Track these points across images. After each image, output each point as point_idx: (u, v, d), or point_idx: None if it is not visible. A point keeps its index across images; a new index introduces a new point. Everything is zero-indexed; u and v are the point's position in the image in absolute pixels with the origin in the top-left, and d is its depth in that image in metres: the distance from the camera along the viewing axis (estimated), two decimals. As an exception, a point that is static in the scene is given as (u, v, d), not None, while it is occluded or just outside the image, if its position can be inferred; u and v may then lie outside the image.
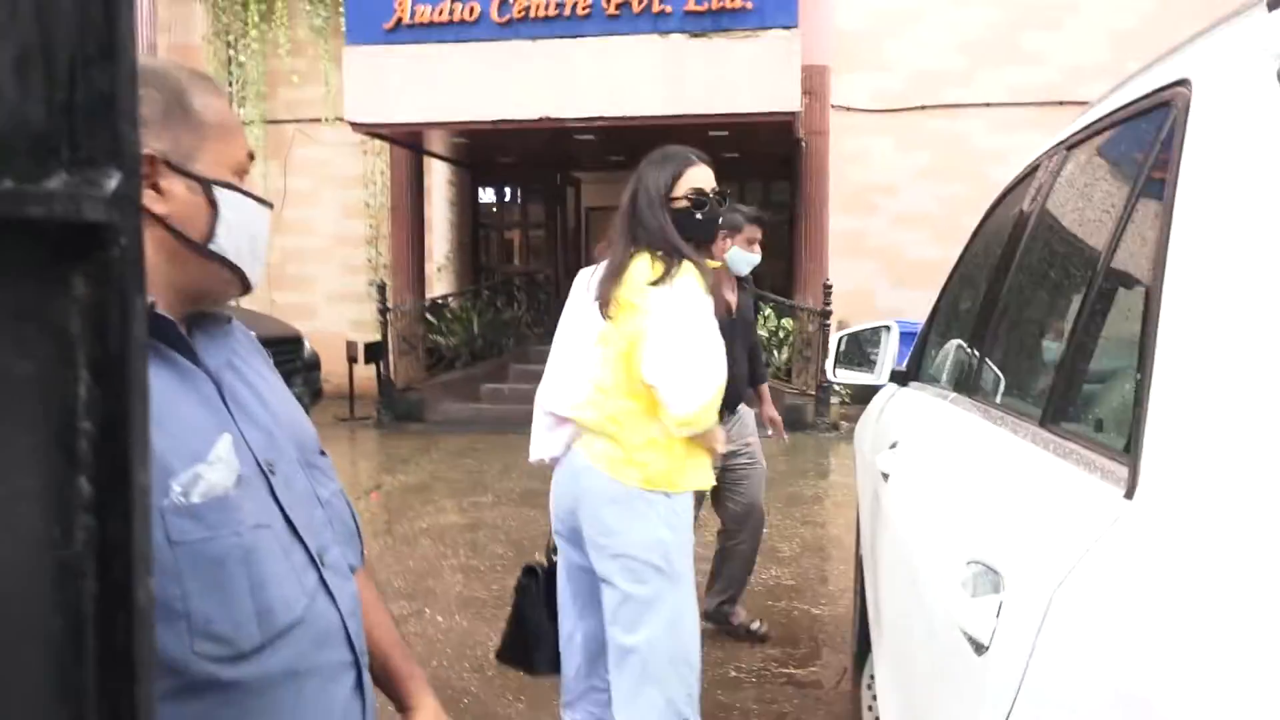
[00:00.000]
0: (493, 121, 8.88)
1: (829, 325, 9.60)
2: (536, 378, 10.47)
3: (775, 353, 10.13)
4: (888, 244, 11.48)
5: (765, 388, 4.43)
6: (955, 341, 2.73)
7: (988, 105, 11.17)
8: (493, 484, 7.18)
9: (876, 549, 2.27)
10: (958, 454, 1.68)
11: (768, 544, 5.54)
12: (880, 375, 2.93)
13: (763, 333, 10.19)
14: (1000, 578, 1.07)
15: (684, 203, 2.29)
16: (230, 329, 1.10)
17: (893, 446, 2.29)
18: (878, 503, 2.34)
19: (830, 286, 9.52)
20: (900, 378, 2.93)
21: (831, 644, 4.03)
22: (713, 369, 2.18)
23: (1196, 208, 0.94)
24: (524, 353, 11.14)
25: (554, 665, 2.58)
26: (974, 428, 1.63)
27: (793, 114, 8.59)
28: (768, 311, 10.19)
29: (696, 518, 2.80)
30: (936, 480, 1.69)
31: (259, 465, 1.02)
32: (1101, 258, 1.22)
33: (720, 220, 2.42)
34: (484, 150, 11.59)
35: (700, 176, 2.33)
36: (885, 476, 2.26)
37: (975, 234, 2.66)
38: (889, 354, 2.92)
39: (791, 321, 9.97)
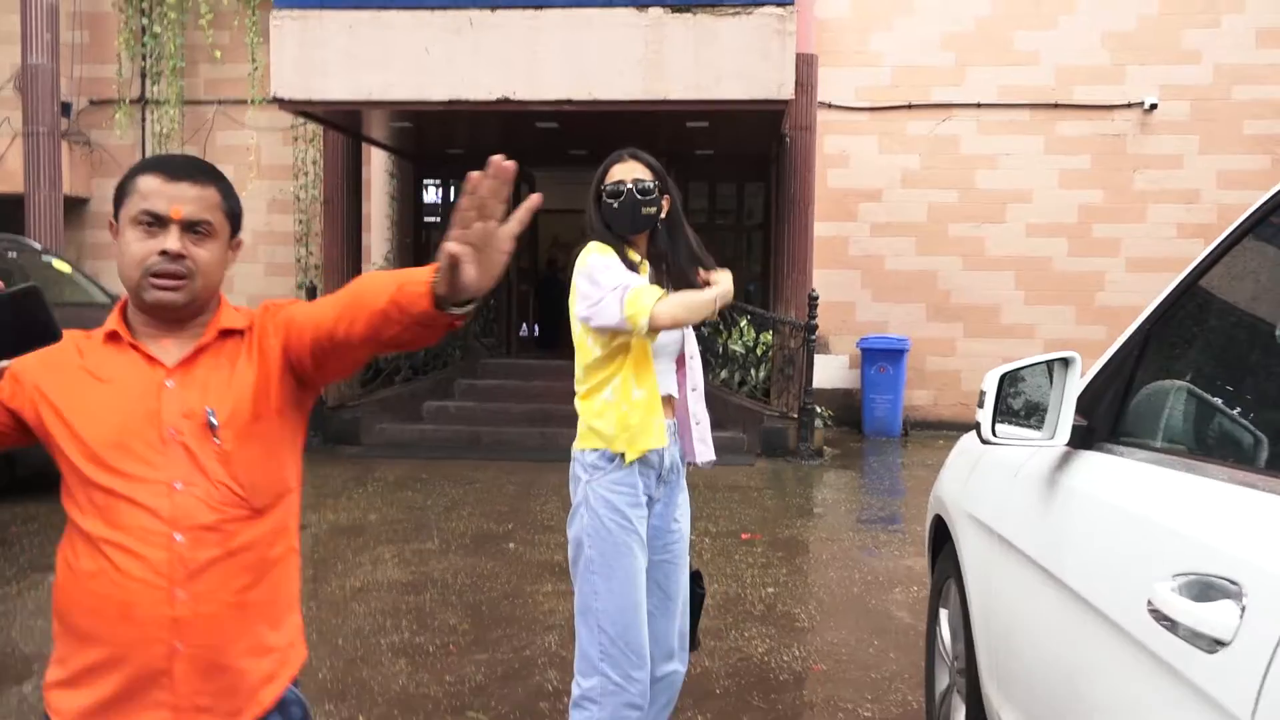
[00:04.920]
0: (444, 102, 7.77)
1: (814, 340, 8.69)
2: (486, 394, 9.23)
3: (753, 370, 9.18)
4: (869, 253, 10.61)
5: None
6: (1183, 389, 1.77)
7: (979, 106, 10.38)
8: (439, 524, 6.08)
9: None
10: None
11: (779, 609, 4.56)
12: (1057, 432, 1.95)
13: (738, 348, 9.24)
14: None
15: (604, 193, 2.47)
16: None
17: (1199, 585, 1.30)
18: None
19: (816, 298, 8.60)
20: (1082, 436, 1.96)
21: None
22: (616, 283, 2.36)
23: None
24: (472, 366, 10.02)
25: None
26: None
27: (784, 103, 7.65)
28: (744, 324, 9.24)
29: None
30: None
31: None
32: None
33: (644, 210, 2.47)
34: (431, 138, 10.46)
35: (620, 170, 2.48)
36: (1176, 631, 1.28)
37: (1230, 244, 1.70)
38: (1068, 400, 1.95)
39: (771, 335, 9.03)
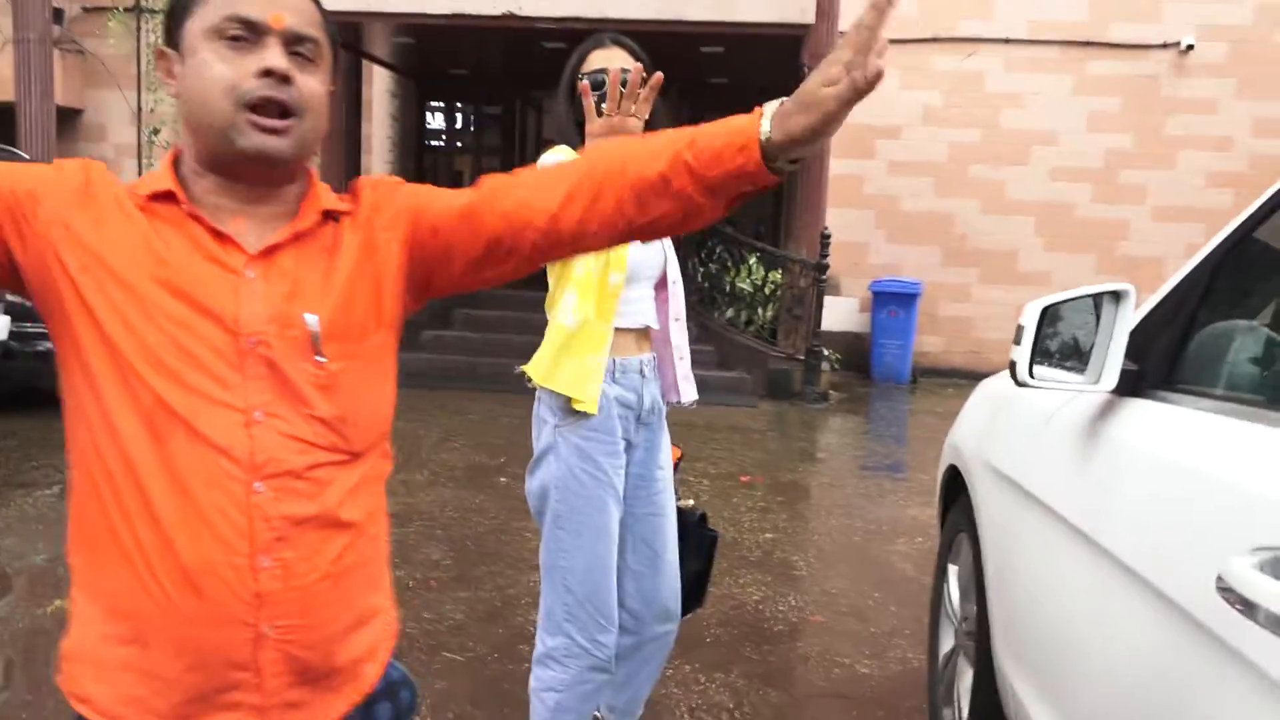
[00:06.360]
0: (446, 15, 7.40)
1: (824, 280, 8.42)
2: (485, 324, 8.93)
3: (760, 310, 8.92)
4: (885, 193, 10.26)
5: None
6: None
7: (1007, 41, 9.93)
8: (430, 456, 5.89)
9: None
10: None
11: (776, 556, 4.37)
12: (1103, 375, 1.70)
13: (745, 286, 8.96)
14: None
15: (584, 82, 2.03)
16: None
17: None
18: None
19: (828, 236, 8.30)
20: (1132, 382, 1.71)
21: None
22: None
23: None
24: (472, 295, 9.76)
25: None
26: None
27: (805, 28, 7.27)
28: (752, 261, 8.96)
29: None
30: None
31: None
32: None
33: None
34: (433, 56, 10.07)
35: (602, 58, 2.09)
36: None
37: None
38: (1118, 339, 1.70)
39: (780, 274, 8.74)
